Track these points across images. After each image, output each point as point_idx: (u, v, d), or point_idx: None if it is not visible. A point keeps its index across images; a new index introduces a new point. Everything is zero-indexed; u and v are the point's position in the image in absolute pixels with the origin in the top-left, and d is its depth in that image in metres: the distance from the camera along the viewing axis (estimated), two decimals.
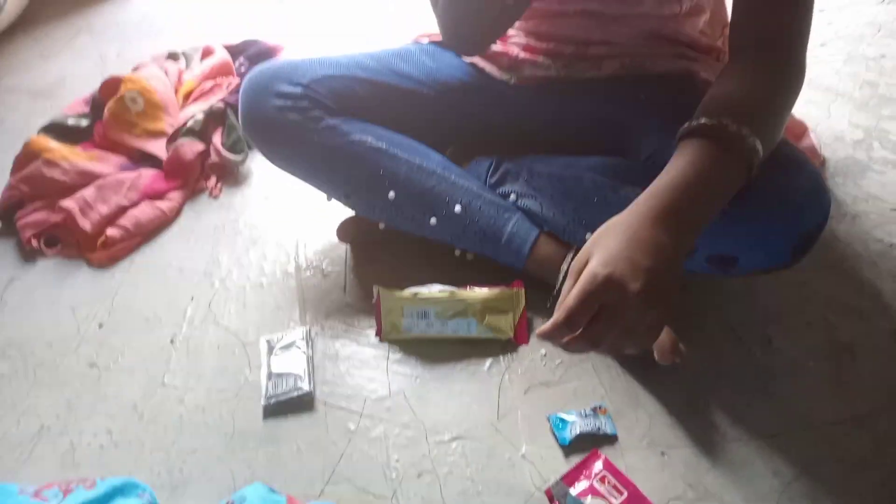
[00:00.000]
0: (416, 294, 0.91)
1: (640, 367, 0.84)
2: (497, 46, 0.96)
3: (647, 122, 0.87)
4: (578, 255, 0.63)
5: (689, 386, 0.82)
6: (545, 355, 0.88)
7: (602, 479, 0.73)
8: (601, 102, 0.92)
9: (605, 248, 0.60)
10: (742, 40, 0.75)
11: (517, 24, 0.95)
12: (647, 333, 0.61)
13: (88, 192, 1.15)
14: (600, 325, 0.59)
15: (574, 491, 0.73)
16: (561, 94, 0.93)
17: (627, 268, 0.58)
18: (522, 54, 0.94)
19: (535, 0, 0.88)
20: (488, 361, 0.88)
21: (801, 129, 1.09)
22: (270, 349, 0.91)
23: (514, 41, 0.95)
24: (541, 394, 0.84)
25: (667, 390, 0.82)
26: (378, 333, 0.92)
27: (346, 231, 1.02)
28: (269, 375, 0.88)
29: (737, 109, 0.67)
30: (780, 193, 0.71)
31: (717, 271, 0.77)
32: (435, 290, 0.91)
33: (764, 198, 0.71)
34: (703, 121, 0.66)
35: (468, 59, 0.98)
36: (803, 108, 1.16)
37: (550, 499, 0.73)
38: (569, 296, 0.59)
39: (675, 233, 0.61)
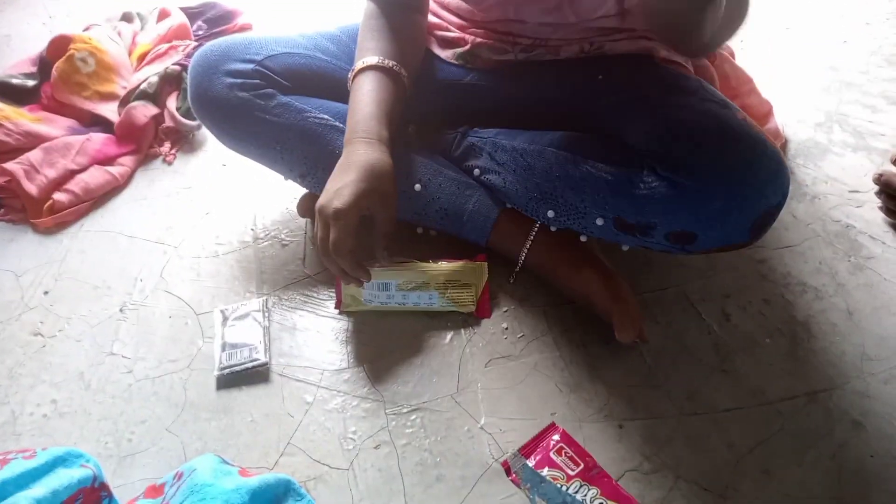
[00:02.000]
0: (377, 265, 0.89)
1: (601, 341, 0.84)
2: (454, 33, 0.93)
3: (606, 101, 0.86)
4: None
5: (648, 360, 0.82)
6: (507, 329, 0.87)
7: (559, 451, 0.73)
8: (560, 83, 0.90)
9: None
10: None
11: (472, 19, 0.92)
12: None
13: (34, 155, 1.10)
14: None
15: (531, 462, 0.72)
16: (519, 76, 0.91)
17: None
18: (480, 39, 0.92)
19: (491, 13, 0.87)
20: (449, 334, 0.87)
21: (767, 108, 1.09)
22: (225, 319, 0.88)
23: (472, 30, 0.93)
24: (501, 367, 0.83)
25: (626, 364, 0.82)
26: (338, 305, 0.90)
27: (307, 207, 0.99)
28: (224, 346, 0.85)
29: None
30: (742, 172, 0.71)
31: (677, 248, 0.77)
32: (397, 261, 0.89)
33: (726, 176, 0.71)
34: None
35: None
36: (767, 90, 1.17)
37: (507, 470, 0.73)
38: None
39: None
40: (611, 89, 0.86)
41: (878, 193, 0.97)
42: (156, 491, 0.70)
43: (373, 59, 0.81)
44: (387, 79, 0.81)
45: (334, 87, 0.88)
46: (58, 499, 0.63)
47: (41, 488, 0.62)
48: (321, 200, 0.74)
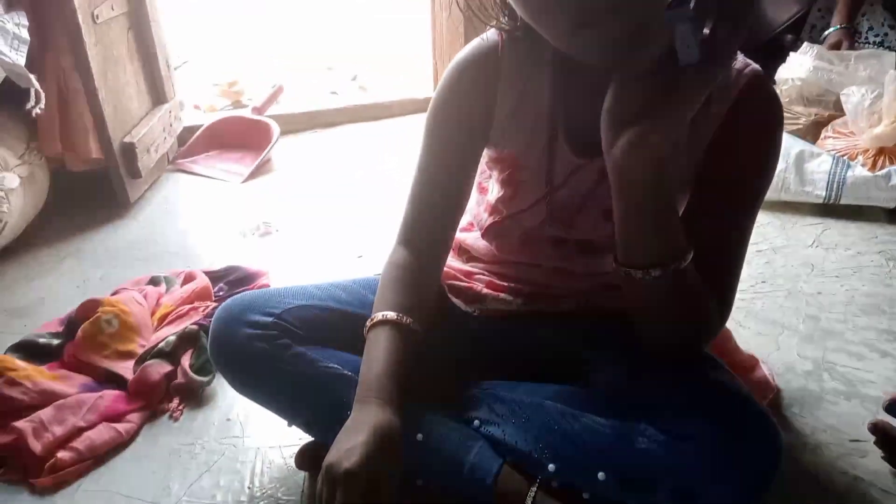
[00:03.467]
0: None
1: None
2: (462, 283, 1.02)
3: (602, 355, 0.92)
4: None
5: None
6: None
7: None
8: (559, 335, 0.96)
9: None
10: None
11: (481, 263, 1.02)
12: None
13: (46, 413, 1.12)
14: None
15: None
16: (522, 326, 0.98)
17: None
18: (486, 290, 1.00)
19: (510, 255, 0.97)
20: None
21: (753, 363, 1.14)
22: None
23: (478, 278, 1.01)
24: None
25: None
26: None
27: (305, 458, 0.99)
28: None
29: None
30: (735, 429, 0.75)
31: None
32: None
33: (720, 434, 0.74)
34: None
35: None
36: (752, 340, 1.22)
37: None
38: None
39: None
40: (608, 344, 0.92)
41: (877, 443, 0.97)
42: None
43: (391, 315, 0.86)
44: (402, 336, 0.85)
45: (344, 334, 0.93)
46: None
47: None
48: (330, 458, 0.75)
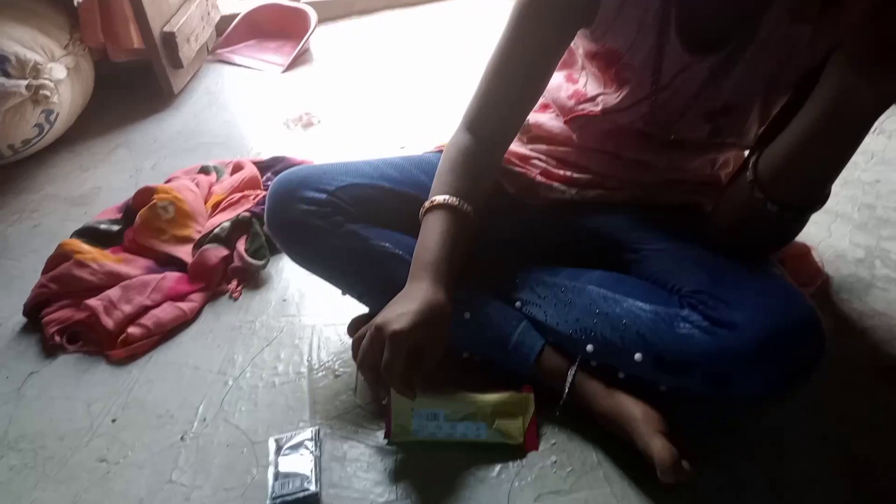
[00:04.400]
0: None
1: (655, 477, 0.82)
2: (516, 167, 1.01)
3: (652, 246, 0.91)
4: None
5: (702, 498, 0.81)
6: (555, 462, 0.87)
7: None
8: (609, 224, 0.96)
9: None
10: None
11: (542, 146, 1.01)
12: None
13: (114, 293, 1.19)
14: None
15: None
16: (572, 214, 0.98)
17: None
18: (539, 178, 0.99)
19: (590, 144, 0.94)
20: (497, 467, 0.87)
21: (804, 250, 1.13)
22: (279, 449, 0.91)
23: (534, 163, 1.00)
24: (551, 503, 0.82)
25: (680, 501, 0.80)
26: (387, 435, 0.92)
27: (358, 328, 1.04)
28: (276, 475, 0.87)
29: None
30: (778, 321, 0.74)
31: (714, 392, 0.79)
32: (447, 390, 0.92)
33: (762, 321, 0.75)
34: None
35: None
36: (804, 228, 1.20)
37: None
38: None
39: None
40: (659, 235, 0.92)
41: None
42: None
43: (452, 199, 0.86)
44: (458, 222, 0.86)
45: (395, 211, 0.95)
46: None
47: None
48: (380, 318, 0.79)
